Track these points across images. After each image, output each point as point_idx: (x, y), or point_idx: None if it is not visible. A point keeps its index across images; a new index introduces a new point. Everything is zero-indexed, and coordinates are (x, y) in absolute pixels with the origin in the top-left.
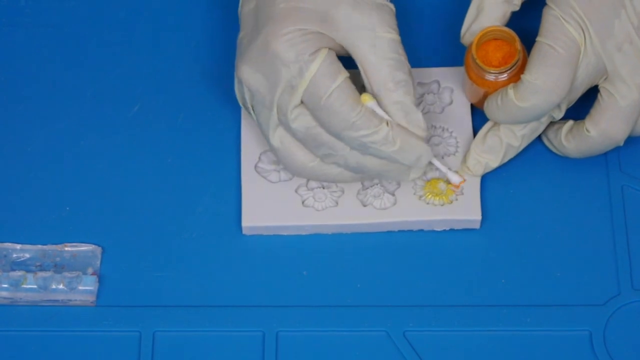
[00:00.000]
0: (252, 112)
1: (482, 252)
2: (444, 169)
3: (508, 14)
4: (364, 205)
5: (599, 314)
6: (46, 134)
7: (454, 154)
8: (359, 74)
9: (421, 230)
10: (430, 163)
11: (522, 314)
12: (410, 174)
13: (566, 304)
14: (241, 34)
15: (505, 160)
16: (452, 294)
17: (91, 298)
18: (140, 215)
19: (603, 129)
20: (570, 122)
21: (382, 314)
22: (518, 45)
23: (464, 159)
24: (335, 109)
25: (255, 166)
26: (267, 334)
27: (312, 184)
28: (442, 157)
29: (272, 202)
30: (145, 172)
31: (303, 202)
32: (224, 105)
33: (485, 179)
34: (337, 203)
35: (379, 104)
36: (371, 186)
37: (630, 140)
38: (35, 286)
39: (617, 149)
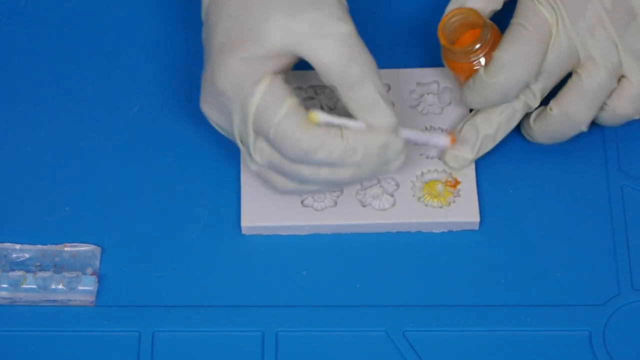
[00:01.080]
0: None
1: (482, 252)
2: (424, 137)
3: (487, 12)
4: (363, 206)
5: (599, 314)
6: (46, 134)
7: None
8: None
9: (420, 231)
10: (408, 142)
11: (522, 314)
12: (390, 165)
13: (566, 304)
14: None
15: (482, 152)
16: (452, 294)
17: (91, 298)
18: (140, 215)
19: (565, 109)
20: (542, 107)
21: (381, 314)
22: (482, 20)
23: (441, 155)
24: (285, 139)
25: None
26: (266, 334)
27: None
28: (439, 159)
29: (272, 202)
30: (145, 172)
31: (302, 202)
32: None
33: (483, 179)
34: (336, 203)
35: (342, 101)
36: (370, 187)
37: (630, 139)
38: (34, 286)
39: (616, 148)
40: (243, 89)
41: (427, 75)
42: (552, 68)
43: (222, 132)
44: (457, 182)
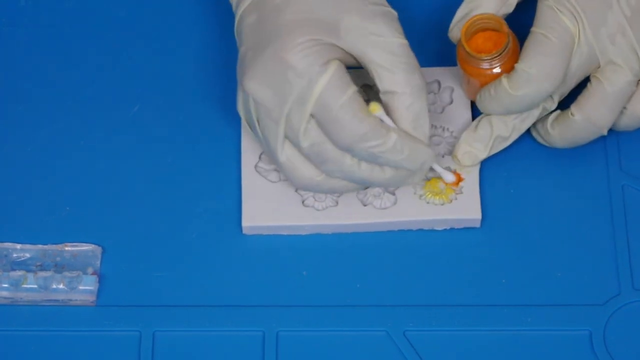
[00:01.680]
0: (256, 126)
1: (483, 252)
2: (439, 169)
3: (501, 14)
4: (364, 205)
5: (599, 314)
6: (46, 134)
7: (453, 154)
8: (359, 74)
9: (421, 230)
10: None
11: (522, 314)
12: (414, 178)
13: (566, 303)
14: (243, 48)
15: (493, 152)
16: (452, 294)
17: (91, 298)
18: (140, 215)
19: (587, 114)
20: (558, 111)
21: (382, 314)
22: (505, 28)
23: (454, 150)
24: (345, 122)
25: (256, 166)
26: (267, 334)
27: None
28: (443, 156)
29: (272, 202)
30: (145, 172)
31: (303, 202)
32: (224, 105)
33: (485, 178)
34: (337, 203)
35: (390, 108)
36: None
37: (630, 139)
38: (35, 286)
39: (617, 148)
40: (314, 65)
41: (428, 74)
42: (572, 74)
43: (251, 112)
44: (459, 179)
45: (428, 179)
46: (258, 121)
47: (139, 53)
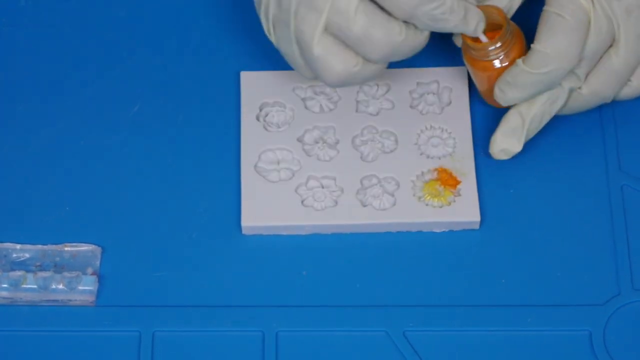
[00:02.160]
0: (283, 25)
1: (482, 252)
2: (484, 37)
3: (516, 4)
4: (364, 206)
5: (599, 314)
6: (46, 134)
7: (451, 155)
8: None
9: (420, 231)
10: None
11: (522, 314)
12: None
13: (566, 304)
14: None
15: (527, 140)
16: (452, 294)
17: (91, 298)
18: (140, 215)
19: (594, 89)
20: None
21: (381, 314)
22: (503, 14)
23: (490, 148)
24: None
25: (255, 166)
26: (266, 334)
27: (312, 183)
28: (440, 158)
29: (272, 202)
30: (145, 172)
31: (302, 202)
32: (224, 105)
33: (484, 179)
34: (336, 203)
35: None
36: (370, 186)
37: (630, 139)
38: (35, 286)
39: (616, 148)
40: None
41: (427, 75)
42: (595, 51)
43: (275, 14)
44: (457, 182)
45: (426, 181)
46: (294, 14)
47: (139, 53)
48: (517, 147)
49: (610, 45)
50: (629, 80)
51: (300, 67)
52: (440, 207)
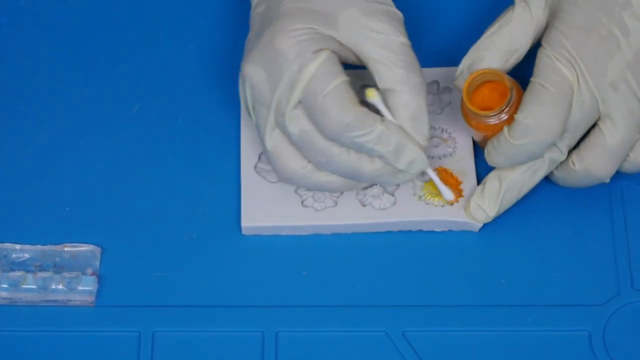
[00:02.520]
0: (252, 113)
1: (482, 252)
2: (438, 182)
3: (509, 65)
4: (363, 206)
5: (599, 314)
6: (46, 134)
7: (451, 155)
8: (360, 75)
9: (420, 231)
10: (424, 173)
11: (522, 314)
12: (403, 176)
13: (566, 304)
14: (250, 35)
15: (504, 207)
16: (452, 294)
17: (90, 298)
18: (140, 215)
19: (587, 166)
20: None
21: (381, 314)
22: (507, 82)
23: (465, 207)
24: (330, 110)
25: (255, 166)
26: (266, 334)
27: None
28: (440, 158)
29: (272, 203)
30: (145, 172)
31: (302, 202)
32: (224, 105)
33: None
34: (336, 203)
35: (389, 105)
36: (370, 186)
37: None
38: (34, 286)
39: None
40: (305, 53)
41: (427, 75)
42: (577, 124)
43: (245, 102)
44: (458, 182)
45: (427, 180)
46: (253, 108)
47: (139, 53)
48: (492, 210)
49: (599, 121)
50: (627, 156)
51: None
52: (442, 206)
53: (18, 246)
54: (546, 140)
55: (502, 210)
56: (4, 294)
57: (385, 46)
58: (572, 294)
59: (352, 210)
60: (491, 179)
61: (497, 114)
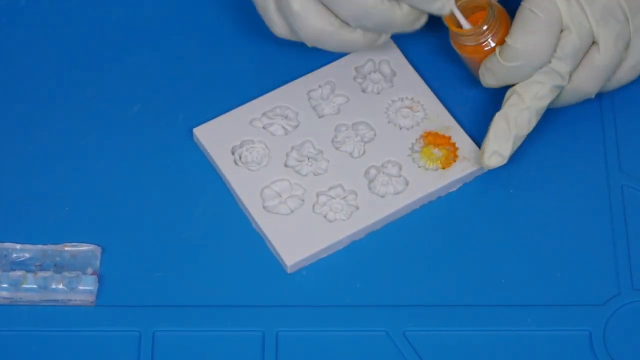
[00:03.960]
0: None
1: (482, 252)
2: (460, 16)
3: None
4: (382, 197)
5: (599, 314)
6: (46, 134)
7: (426, 117)
8: None
9: (420, 230)
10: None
11: (522, 314)
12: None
13: (566, 304)
14: None
15: (517, 145)
16: (452, 294)
17: (91, 298)
18: (140, 215)
19: (577, 85)
20: None
21: (381, 314)
22: (488, 2)
23: (480, 156)
24: None
25: (263, 207)
26: (267, 334)
27: (323, 199)
28: (418, 125)
29: (301, 231)
30: (145, 172)
31: (326, 217)
32: (224, 105)
33: (484, 179)
34: (357, 207)
35: None
36: (375, 178)
37: (630, 139)
38: (35, 286)
39: (616, 148)
40: None
41: (360, 57)
42: (577, 49)
43: None
44: (447, 138)
45: (420, 150)
46: None
47: (139, 53)
48: (507, 152)
49: (592, 44)
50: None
51: (273, 23)
52: (449, 166)
53: (18, 246)
54: (536, 64)
55: (515, 148)
56: (4, 293)
57: None
58: (572, 294)
59: (374, 206)
60: (498, 121)
61: (478, 33)
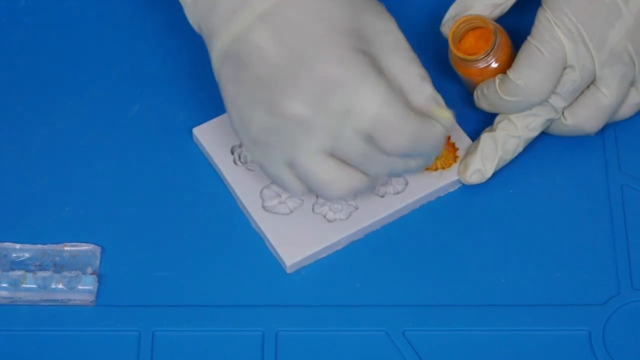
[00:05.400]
0: (267, 147)
1: (482, 252)
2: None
3: (495, 15)
4: (382, 197)
5: (599, 314)
6: (46, 134)
7: None
8: None
9: (420, 230)
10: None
11: (522, 314)
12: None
13: (566, 303)
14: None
15: (499, 167)
16: (452, 294)
17: (90, 298)
18: (140, 215)
19: (579, 122)
20: None
21: (381, 314)
22: (491, 26)
23: (459, 171)
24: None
25: (263, 207)
26: (266, 334)
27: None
28: None
29: (300, 232)
30: (145, 172)
31: (325, 217)
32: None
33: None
34: (357, 207)
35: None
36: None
37: (630, 139)
38: (34, 286)
39: (616, 148)
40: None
41: None
42: (576, 87)
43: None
44: (451, 143)
45: None
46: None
47: (139, 53)
48: (489, 173)
49: (594, 81)
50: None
51: (287, 184)
52: (448, 166)
53: (18, 245)
54: (534, 101)
55: (496, 169)
56: (4, 293)
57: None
58: (572, 293)
59: (374, 206)
60: (486, 141)
61: (483, 58)
